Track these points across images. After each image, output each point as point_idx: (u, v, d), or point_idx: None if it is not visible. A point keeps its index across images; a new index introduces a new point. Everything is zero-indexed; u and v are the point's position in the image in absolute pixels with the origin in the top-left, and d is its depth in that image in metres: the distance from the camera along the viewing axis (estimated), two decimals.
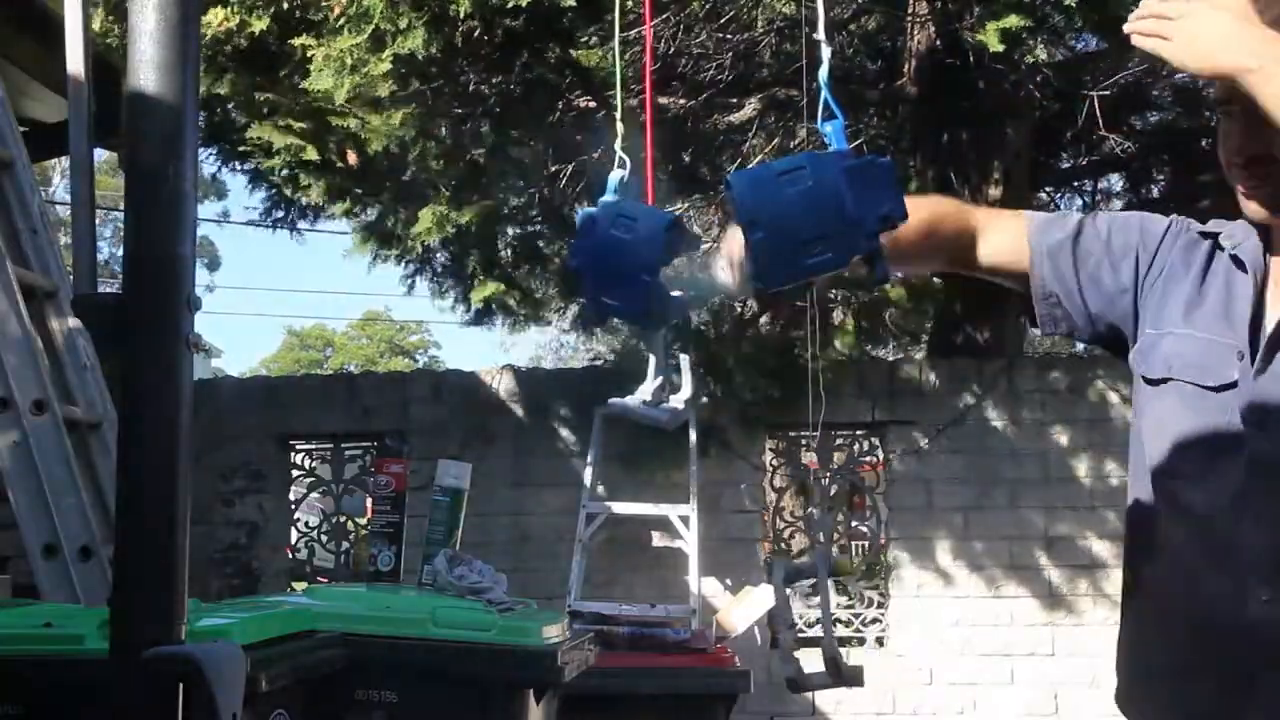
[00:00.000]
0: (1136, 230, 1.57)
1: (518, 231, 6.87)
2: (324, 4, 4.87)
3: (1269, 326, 1.40)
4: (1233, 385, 1.40)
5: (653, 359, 1.56)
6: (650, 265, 1.42)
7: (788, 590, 1.62)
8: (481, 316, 7.04)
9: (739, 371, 5.81)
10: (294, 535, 6.40)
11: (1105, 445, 5.90)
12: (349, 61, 4.67)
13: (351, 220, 6.30)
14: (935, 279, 7.27)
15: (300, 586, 5.94)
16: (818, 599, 5.94)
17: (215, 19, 4.83)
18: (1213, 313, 1.46)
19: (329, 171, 5.62)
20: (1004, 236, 1.61)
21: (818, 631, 5.87)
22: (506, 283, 6.51)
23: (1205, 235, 1.53)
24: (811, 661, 1.58)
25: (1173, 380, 1.46)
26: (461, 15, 4.53)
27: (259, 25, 4.89)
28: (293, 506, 6.47)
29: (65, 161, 4.16)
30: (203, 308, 1.38)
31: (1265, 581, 1.36)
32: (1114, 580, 5.80)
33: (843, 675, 1.52)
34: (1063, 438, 5.94)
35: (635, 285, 1.43)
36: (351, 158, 5.54)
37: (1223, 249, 1.48)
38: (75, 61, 1.54)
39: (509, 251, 6.65)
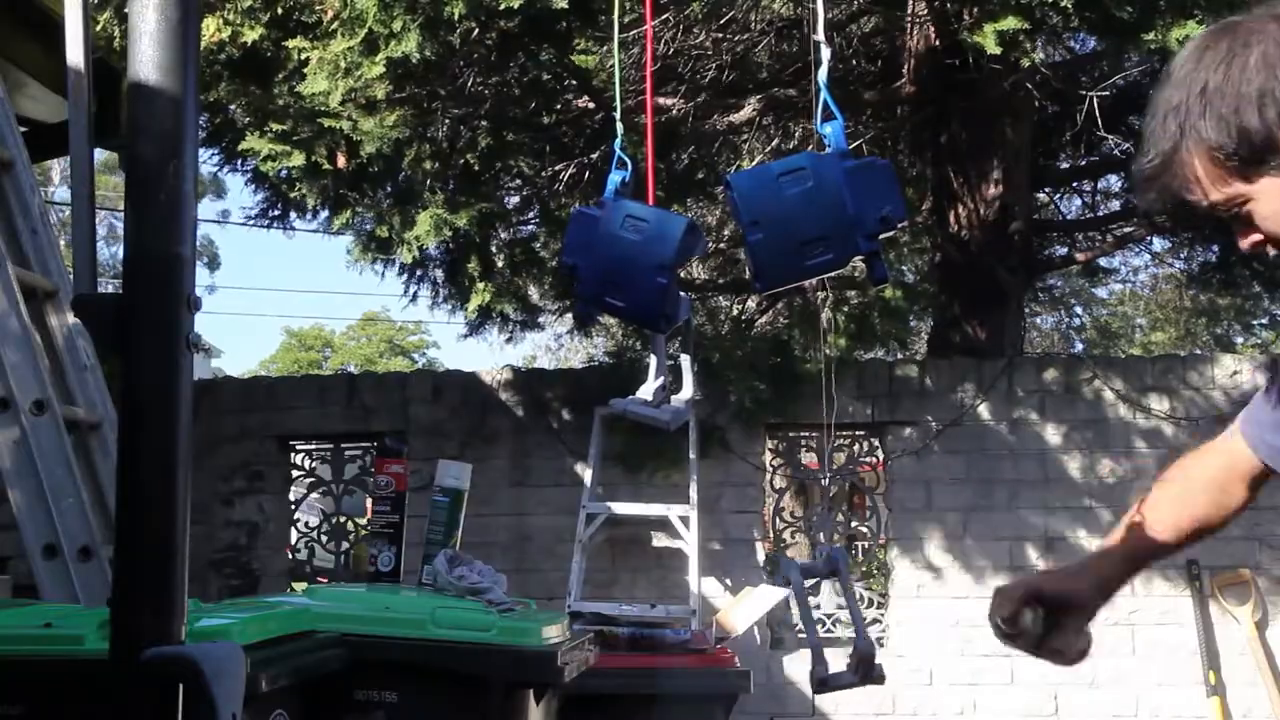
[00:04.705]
0: None
1: (514, 235, 6.86)
2: (318, 6, 4.87)
3: None
4: None
5: (654, 360, 1.56)
6: (665, 266, 1.42)
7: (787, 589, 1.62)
8: (478, 326, 7.04)
9: (737, 372, 5.81)
10: (294, 536, 6.40)
11: (1102, 444, 5.90)
12: (343, 65, 4.67)
13: (350, 229, 6.30)
14: (927, 283, 7.27)
15: (300, 587, 5.94)
16: (818, 599, 5.92)
17: (208, 29, 4.83)
18: None
19: (320, 175, 5.61)
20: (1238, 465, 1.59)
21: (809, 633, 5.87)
22: (502, 290, 6.50)
23: None
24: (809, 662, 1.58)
25: None
26: (456, 17, 4.53)
27: (251, 35, 4.89)
28: (293, 507, 6.47)
29: (65, 161, 4.15)
30: (203, 308, 1.38)
31: None
32: None
33: (871, 675, 1.52)
34: (1060, 437, 5.95)
35: (647, 286, 1.43)
36: (341, 160, 5.53)
37: None
38: (75, 61, 1.54)
39: (504, 256, 6.65)
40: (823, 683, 1.56)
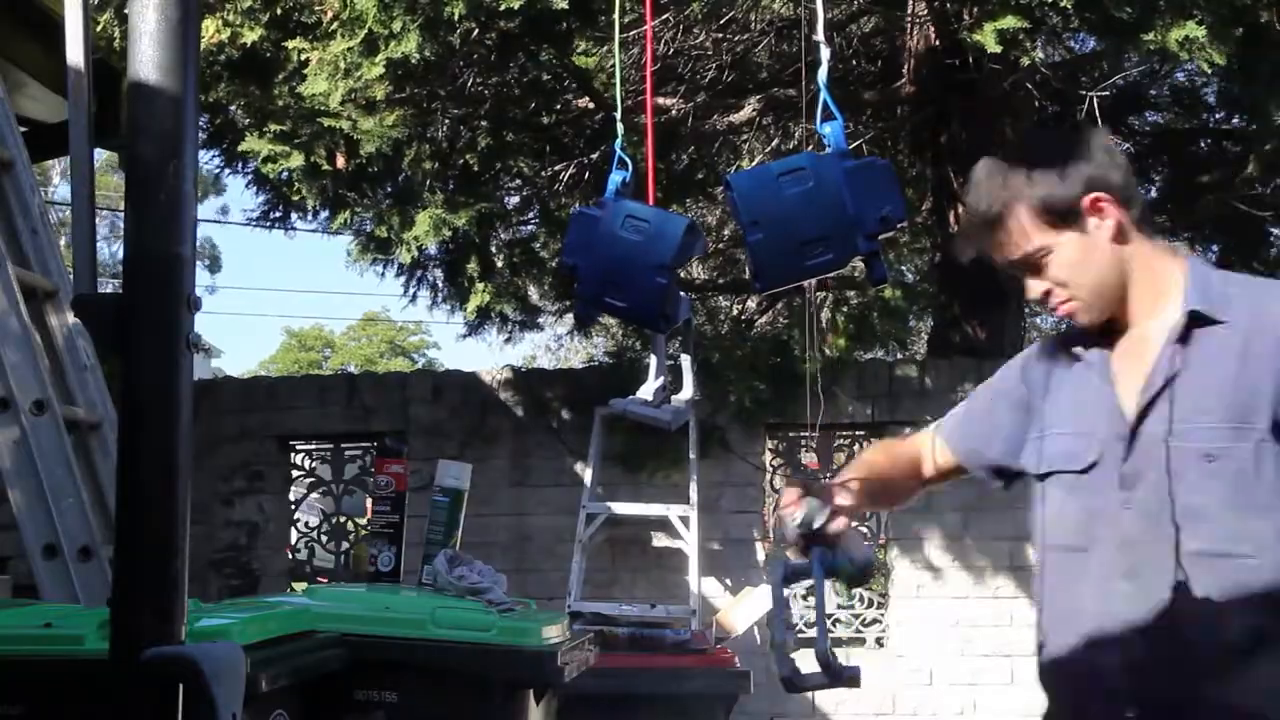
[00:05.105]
0: (1004, 375, 1.93)
1: (514, 235, 6.87)
2: (318, 7, 4.87)
3: (1126, 409, 1.68)
4: (1094, 465, 1.70)
5: (654, 359, 1.56)
6: (664, 266, 1.42)
7: (787, 590, 1.62)
8: (478, 326, 7.05)
9: (737, 372, 5.81)
10: (294, 535, 6.40)
11: None
12: (342, 65, 4.67)
13: (349, 229, 6.31)
14: (927, 284, 7.27)
15: (300, 586, 5.94)
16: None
17: (207, 30, 4.83)
18: (1072, 410, 1.76)
19: (319, 176, 5.62)
20: (937, 454, 2.03)
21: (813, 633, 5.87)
22: (502, 290, 6.50)
23: (1060, 345, 1.83)
24: (809, 662, 1.57)
25: (1053, 473, 1.76)
26: (456, 17, 4.53)
27: (251, 36, 4.89)
28: (293, 507, 6.46)
29: (65, 161, 4.15)
30: (203, 308, 1.38)
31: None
32: None
33: (840, 676, 1.51)
34: None
35: (647, 286, 1.43)
36: (340, 161, 5.53)
37: (1077, 357, 1.78)
38: (75, 61, 1.54)
39: (504, 256, 6.65)
40: (788, 682, 1.55)
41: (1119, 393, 1.70)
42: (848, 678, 1.51)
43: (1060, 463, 1.75)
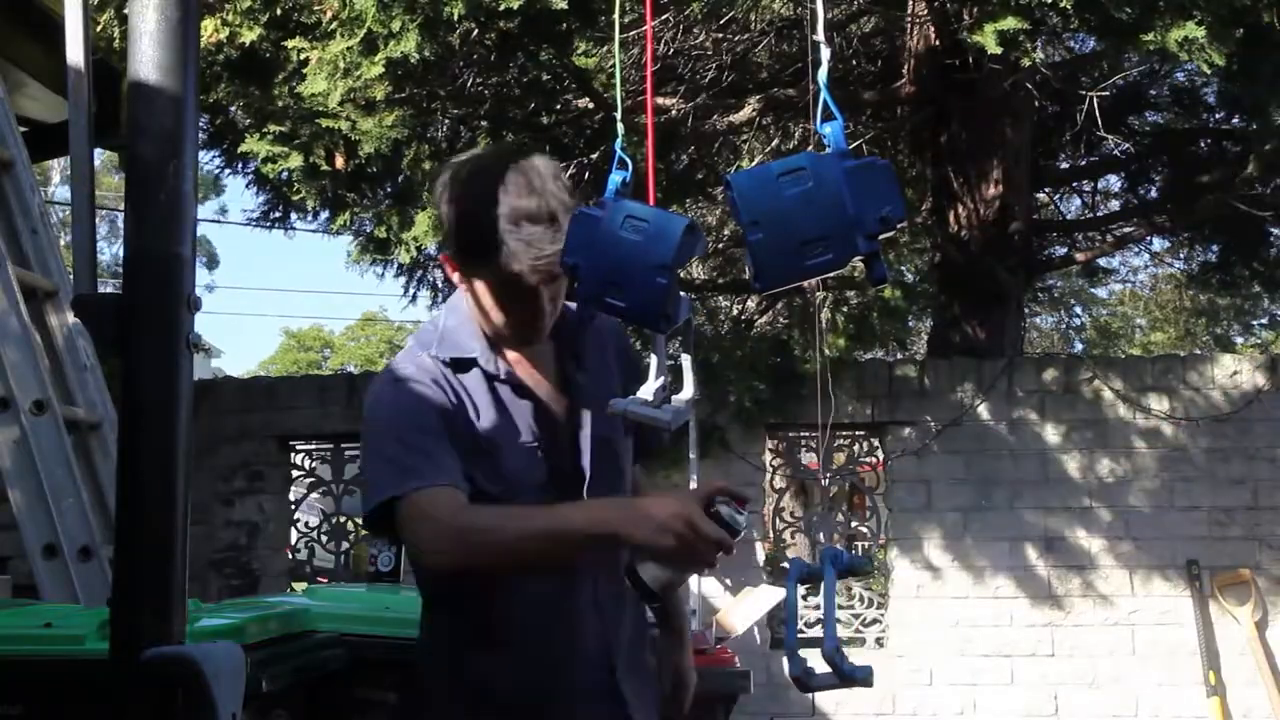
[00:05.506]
0: (428, 409, 1.74)
1: None
2: (317, 7, 4.87)
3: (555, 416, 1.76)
4: (551, 477, 1.73)
5: (654, 359, 1.56)
6: (665, 266, 1.42)
7: (801, 590, 1.61)
8: None
9: (737, 372, 5.80)
10: (294, 535, 6.40)
11: (1102, 444, 5.91)
12: (342, 65, 4.67)
13: (349, 229, 6.31)
14: (927, 284, 7.27)
15: (300, 586, 5.94)
16: (816, 598, 5.93)
17: (206, 30, 4.83)
18: (509, 426, 1.74)
19: (318, 176, 5.62)
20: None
21: (816, 632, 5.87)
22: None
23: (458, 364, 1.78)
24: (820, 662, 1.57)
25: (514, 494, 1.70)
26: (456, 17, 4.53)
27: (249, 35, 4.89)
28: (293, 507, 6.46)
29: (65, 161, 4.15)
30: (203, 308, 1.38)
31: None
32: (1111, 580, 5.81)
33: (850, 676, 1.50)
34: (1060, 437, 5.95)
35: (648, 286, 1.43)
36: (339, 161, 5.53)
37: (484, 371, 1.76)
38: (75, 60, 1.54)
39: None
40: (799, 681, 1.54)
41: (542, 399, 1.76)
42: (859, 679, 1.50)
43: (519, 479, 1.70)
